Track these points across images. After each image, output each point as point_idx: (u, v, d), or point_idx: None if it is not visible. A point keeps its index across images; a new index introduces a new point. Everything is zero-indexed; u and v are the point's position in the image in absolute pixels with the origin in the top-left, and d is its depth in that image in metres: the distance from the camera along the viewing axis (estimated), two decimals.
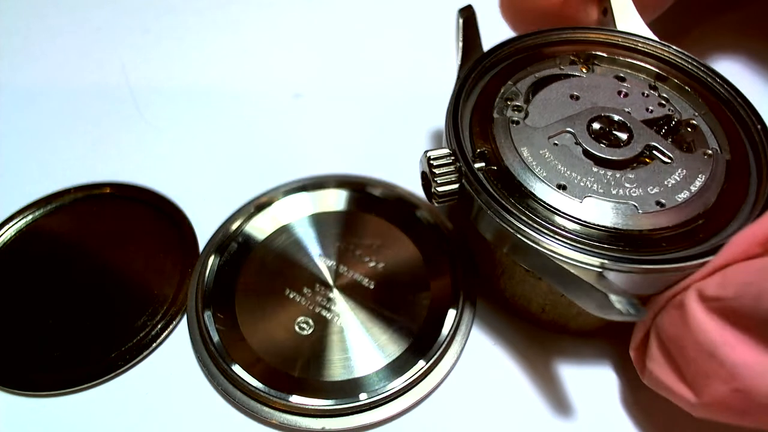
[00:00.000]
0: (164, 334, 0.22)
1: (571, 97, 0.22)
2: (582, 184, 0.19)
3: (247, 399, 0.20)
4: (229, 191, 0.26)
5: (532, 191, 0.19)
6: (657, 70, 0.23)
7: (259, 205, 0.25)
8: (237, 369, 0.20)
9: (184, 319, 0.23)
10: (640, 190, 0.19)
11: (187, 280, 0.23)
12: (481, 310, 0.23)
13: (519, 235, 0.18)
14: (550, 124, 0.21)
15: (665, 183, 0.20)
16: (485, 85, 0.22)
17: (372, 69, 0.32)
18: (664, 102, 0.22)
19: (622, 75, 0.23)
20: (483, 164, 0.20)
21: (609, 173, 0.20)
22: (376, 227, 0.24)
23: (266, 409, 0.20)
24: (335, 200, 0.25)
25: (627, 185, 0.19)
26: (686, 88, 0.23)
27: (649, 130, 0.21)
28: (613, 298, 0.16)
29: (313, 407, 0.20)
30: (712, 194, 0.20)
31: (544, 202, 0.19)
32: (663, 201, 0.19)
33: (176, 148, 0.28)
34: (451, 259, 0.23)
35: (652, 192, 0.19)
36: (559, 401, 0.21)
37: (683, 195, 0.19)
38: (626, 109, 0.22)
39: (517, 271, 0.20)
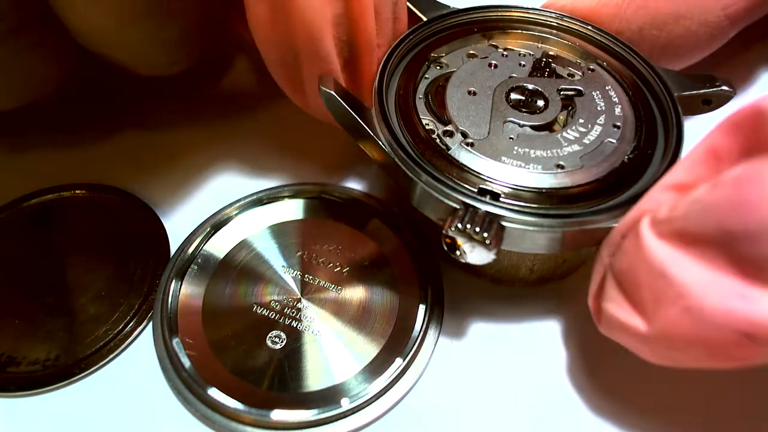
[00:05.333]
0: (125, 344, 0.22)
1: (470, 93, 0.22)
2: (566, 152, 0.20)
3: (228, 421, 0.20)
4: (185, 211, 0.25)
5: (546, 187, 0.20)
6: (481, 32, 0.25)
7: (215, 223, 0.24)
8: (213, 392, 0.20)
9: (149, 333, 0.22)
10: (596, 127, 0.21)
11: (153, 294, 0.23)
12: (449, 298, 0.23)
13: (582, 227, 0.18)
14: (491, 127, 0.21)
15: (598, 109, 0.21)
16: (412, 133, 0.21)
17: None
18: (521, 52, 0.24)
19: (471, 53, 0.24)
20: (489, 196, 0.19)
21: (568, 132, 0.21)
22: (336, 232, 0.24)
23: (249, 429, 0.20)
24: (292, 210, 0.25)
25: (584, 130, 0.21)
26: (511, 31, 0.25)
27: (544, 79, 0.23)
28: None
29: (296, 421, 0.20)
30: (623, 96, 0.22)
31: (567, 187, 0.20)
32: (616, 123, 0.21)
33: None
34: (413, 255, 0.23)
35: (602, 122, 0.21)
36: (539, 363, 0.22)
37: (618, 109, 0.22)
38: (512, 75, 0.23)
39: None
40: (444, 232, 0.18)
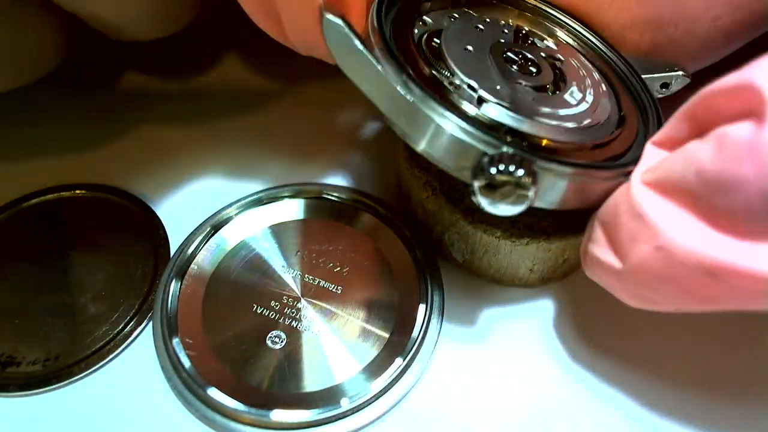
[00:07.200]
0: (125, 344, 0.22)
1: (466, 50, 0.21)
2: (581, 111, 0.20)
3: (228, 422, 0.20)
4: (185, 211, 0.25)
5: (577, 141, 0.19)
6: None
7: (215, 223, 0.24)
8: (213, 392, 0.20)
9: (149, 333, 0.22)
10: (590, 89, 0.22)
11: (152, 294, 0.23)
12: (450, 298, 0.23)
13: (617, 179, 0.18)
14: (507, 85, 0.20)
15: (581, 74, 0.22)
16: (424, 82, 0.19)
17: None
18: (500, 21, 0.23)
19: (454, 15, 0.23)
20: (520, 140, 0.19)
21: (572, 92, 0.21)
22: (336, 232, 0.24)
23: (249, 429, 0.20)
24: (292, 210, 0.25)
25: (581, 94, 0.21)
26: (482, 5, 0.24)
27: (528, 47, 0.22)
28: None
29: (296, 421, 0.20)
30: (592, 68, 0.23)
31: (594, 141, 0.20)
32: (601, 87, 0.22)
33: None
34: (413, 254, 0.23)
35: (590, 84, 0.22)
36: (539, 363, 0.22)
37: (596, 74, 0.22)
38: (499, 40, 0.22)
39: (504, 244, 0.20)
40: (474, 179, 0.17)
